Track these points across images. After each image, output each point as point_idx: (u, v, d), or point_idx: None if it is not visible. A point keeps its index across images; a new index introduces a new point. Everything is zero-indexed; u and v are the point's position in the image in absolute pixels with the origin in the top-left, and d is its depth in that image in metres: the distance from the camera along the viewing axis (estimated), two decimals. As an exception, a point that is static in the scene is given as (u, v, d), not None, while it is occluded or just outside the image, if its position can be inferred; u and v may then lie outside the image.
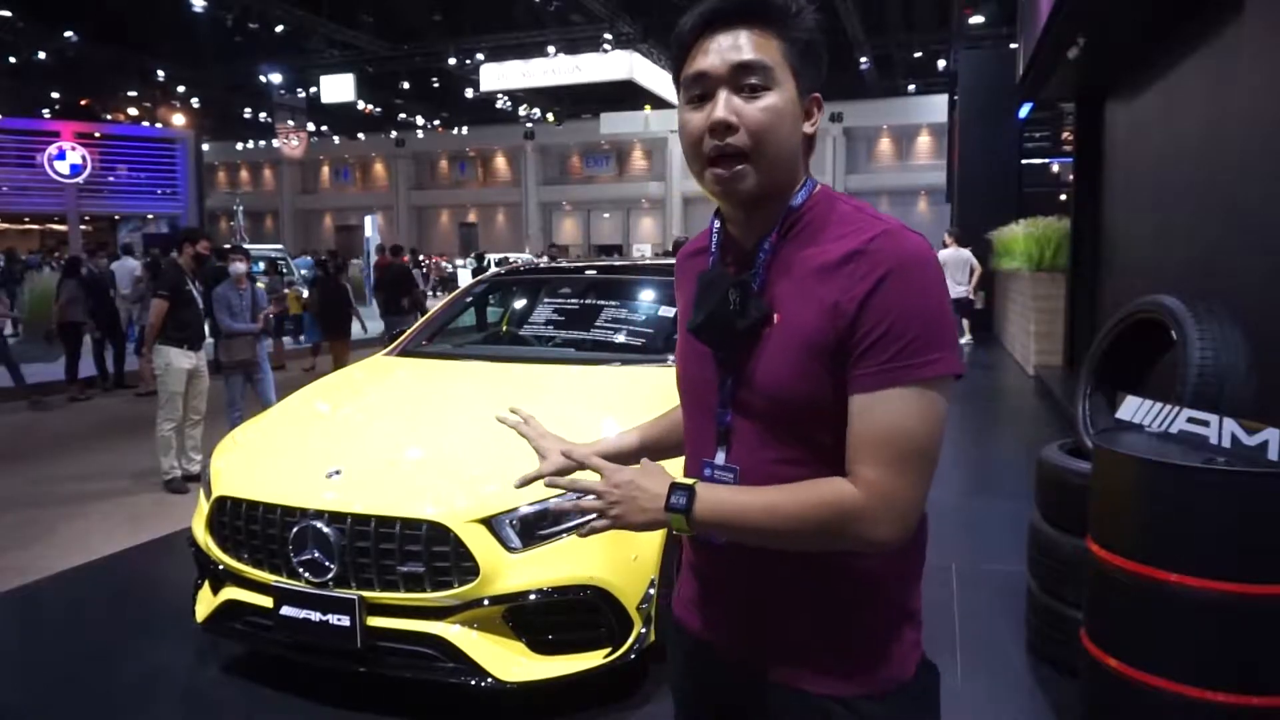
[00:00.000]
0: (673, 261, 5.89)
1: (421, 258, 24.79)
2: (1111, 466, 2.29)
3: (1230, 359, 2.56)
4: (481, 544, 2.66)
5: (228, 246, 8.91)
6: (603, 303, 4.34)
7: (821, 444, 1.09)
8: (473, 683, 2.67)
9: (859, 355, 1.04)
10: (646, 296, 4.41)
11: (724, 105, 1.08)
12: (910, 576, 1.18)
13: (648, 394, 3.54)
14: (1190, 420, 2.24)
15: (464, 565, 2.66)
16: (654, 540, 2.91)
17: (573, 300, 4.53)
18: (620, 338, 4.11)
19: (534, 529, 2.73)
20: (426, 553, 2.67)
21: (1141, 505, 2.21)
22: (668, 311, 4.15)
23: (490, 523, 2.69)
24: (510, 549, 2.68)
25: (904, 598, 1.17)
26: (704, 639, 1.25)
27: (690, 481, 1.08)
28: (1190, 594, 2.08)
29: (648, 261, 6.09)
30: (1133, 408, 2.42)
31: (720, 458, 1.17)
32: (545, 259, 15.93)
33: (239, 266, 6.41)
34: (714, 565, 1.22)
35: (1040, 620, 3.13)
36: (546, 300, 4.62)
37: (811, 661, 1.14)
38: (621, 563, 2.80)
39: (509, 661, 2.69)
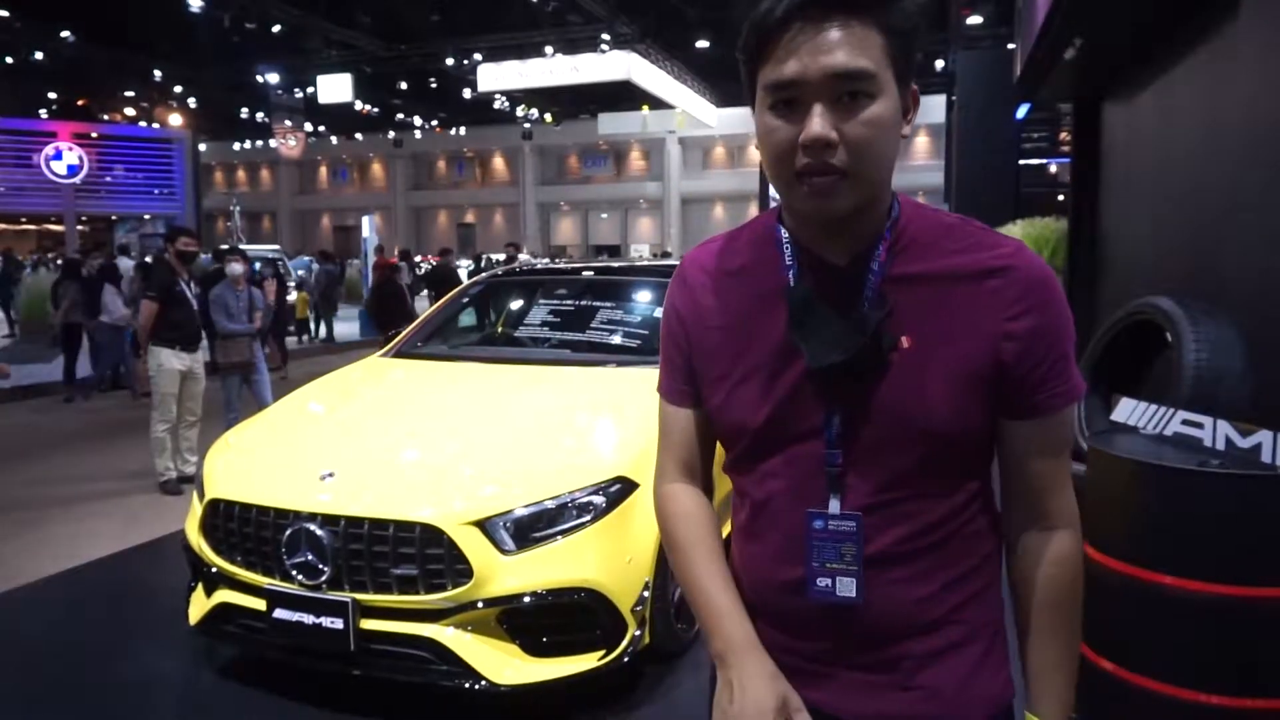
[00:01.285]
0: (669, 264, 5.86)
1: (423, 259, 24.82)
2: (1106, 468, 2.28)
3: (1225, 361, 2.56)
4: (475, 546, 2.65)
5: (225, 248, 8.95)
6: (598, 304, 4.34)
7: (953, 473, 1.04)
8: (466, 685, 2.66)
9: (1040, 379, 1.00)
10: (642, 298, 4.40)
11: (822, 121, 0.93)
12: (999, 586, 1.14)
13: (644, 395, 3.53)
14: (1185, 422, 2.24)
15: (458, 568, 2.65)
16: (649, 543, 2.90)
17: (568, 301, 4.52)
18: (616, 339, 4.10)
19: (528, 531, 2.72)
20: (420, 555, 2.66)
21: (1136, 507, 2.21)
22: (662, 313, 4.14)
23: (484, 525, 2.68)
24: (504, 551, 2.67)
25: (1001, 609, 1.14)
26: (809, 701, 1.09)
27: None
28: (1184, 596, 2.08)
29: (643, 263, 6.07)
30: (1128, 409, 2.42)
31: (834, 506, 1.03)
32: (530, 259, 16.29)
33: (236, 268, 6.39)
34: (838, 626, 1.06)
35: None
36: (542, 301, 4.61)
37: (936, 692, 1.06)
38: (616, 565, 2.79)
39: (503, 664, 2.68)
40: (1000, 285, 0.99)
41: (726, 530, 1.18)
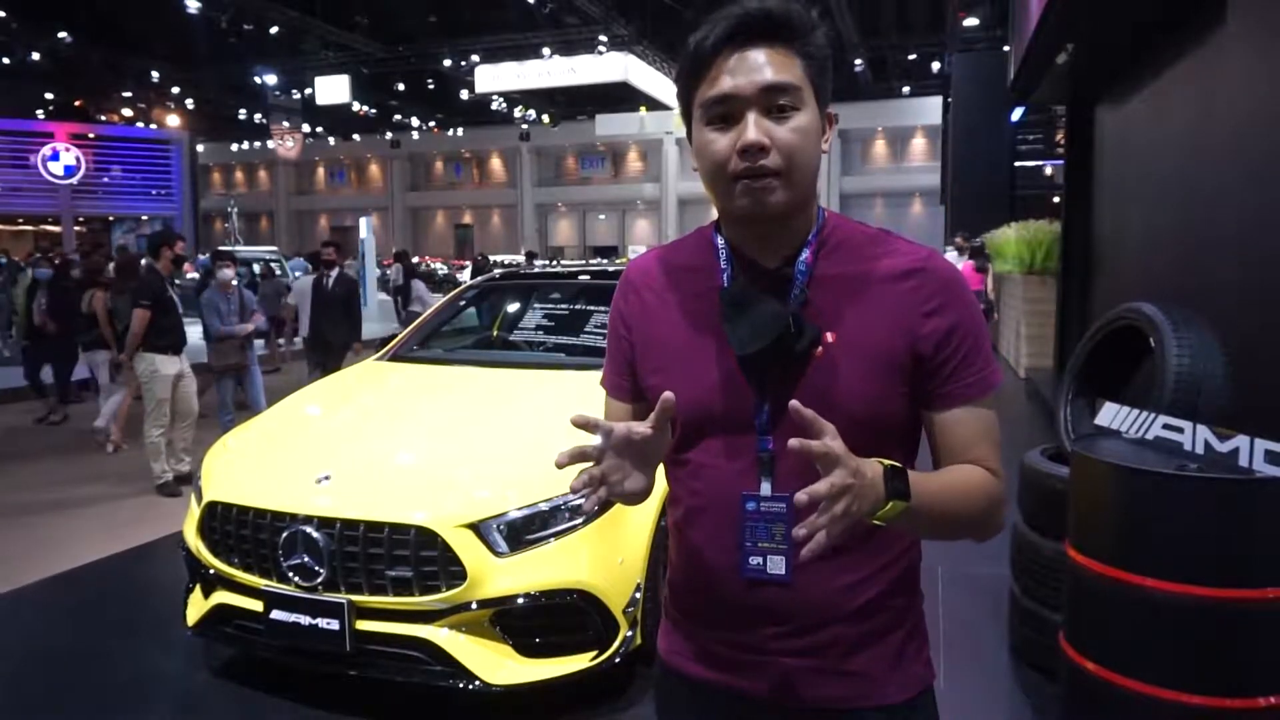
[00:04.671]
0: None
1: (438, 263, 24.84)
2: (1088, 472, 2.32)
3: (1207, 366, 2.60)
4: (469, 549, 2.69)
5: (217, 250, 8.98)
6: (591, 308, 4.37)
7: (875, 454, 1.08)
8: (460, 685, 2.69)
9: (952, 371, 1.10)
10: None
11: (755, 127, 1.05)
12: (918, 573, 1.23)
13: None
14: (1165, 427, 2.27)
15: (452, 570, 2.69)
16: (640, 544, 2.94)
17: (563, 305, 4.56)
18: (610, 342, 4.13)
19: (521, 534, 2.76)
20: (415, 557, 2.70)
21: (1116, 510, 2.24)
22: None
23: (478, 528, 2.72)
24: (497, 554, 2.71)
25: (920, 598, 1.23)
26: (735, 687, 1.17)
27: (889, 462, 1.00)
28: (1164, 598, 2.11)
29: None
30: (1111, 414, 2.45)
31: (766, 489, 1.11)
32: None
33: (227, 273, 6.43)
34: (770, 610, 1.13)
35: (1022, 623, 3.17)
36: (537, 305, 4.65)
37: (867, 677, 1.14)
38: (607, 567, 2.83)
39: (496, 664, 2.72)
40: (916, 285, 1.10)
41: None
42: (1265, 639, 2.09)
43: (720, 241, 1.18)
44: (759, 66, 1.05)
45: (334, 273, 7.21)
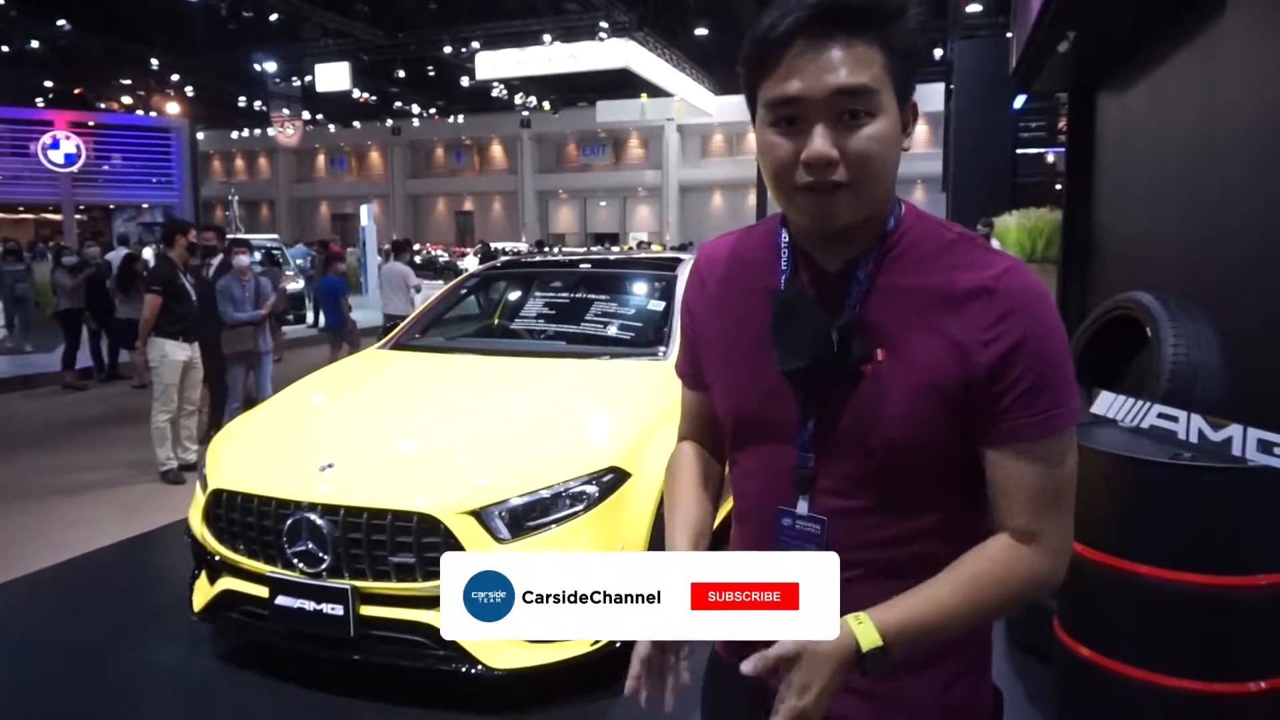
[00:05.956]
0: (662, 255, 5.90)
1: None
2: (1083, 461, 2.33)
3: (1202, 356, 2.62)
4: (471, 535, 2.72)
5: (233, 238, 8.88)
6: (593, 296, 4.39)
7: (918, 493, 1.03)
8: (463, 670, 2.73)
9: (1008, 405, 0.96)
10: (636, 290, 4.46)
11: (823, 139, 0.94)
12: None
13: (638, 387, 3.60)
14: (1161, 416, 2.30)
15: (454, 556, 2.71)
16: (641, 531, 2.97)
17: (563, 294, 4.58)
18: (611, 331, 4.16)
19: (523, 520, 2.79)
20: (417, 543, 2.73)
21: (1111, 498, 2.27)
22: (657, 305, 4.20)
23: (480, 514, 2.75)
24: (499, 540, 2.74)
25: (984, 632, 1.13)
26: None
27: (877, 642, 0.91)
28: (1158, 585, 2.14)
29: (637, 255, 6.10)
30: (1107, 402, 2.48)
31: (802, 507, 1.05)
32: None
33: (243, 259, 6.46)
34: None
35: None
36: (538, 294, 4.67)
37: (900, 702, 1.06)
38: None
39: (498, 649, 2.75)
40: (982, 308, 0.97)
41: (727, 508, 1.23)
42: (1257, 625, 2.12)
43: (784, 238, 1.09)
44: (831, 66, 0.93)
45: (216, 260, 6.51)
